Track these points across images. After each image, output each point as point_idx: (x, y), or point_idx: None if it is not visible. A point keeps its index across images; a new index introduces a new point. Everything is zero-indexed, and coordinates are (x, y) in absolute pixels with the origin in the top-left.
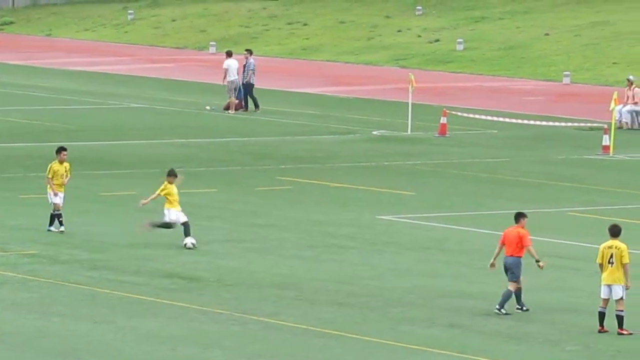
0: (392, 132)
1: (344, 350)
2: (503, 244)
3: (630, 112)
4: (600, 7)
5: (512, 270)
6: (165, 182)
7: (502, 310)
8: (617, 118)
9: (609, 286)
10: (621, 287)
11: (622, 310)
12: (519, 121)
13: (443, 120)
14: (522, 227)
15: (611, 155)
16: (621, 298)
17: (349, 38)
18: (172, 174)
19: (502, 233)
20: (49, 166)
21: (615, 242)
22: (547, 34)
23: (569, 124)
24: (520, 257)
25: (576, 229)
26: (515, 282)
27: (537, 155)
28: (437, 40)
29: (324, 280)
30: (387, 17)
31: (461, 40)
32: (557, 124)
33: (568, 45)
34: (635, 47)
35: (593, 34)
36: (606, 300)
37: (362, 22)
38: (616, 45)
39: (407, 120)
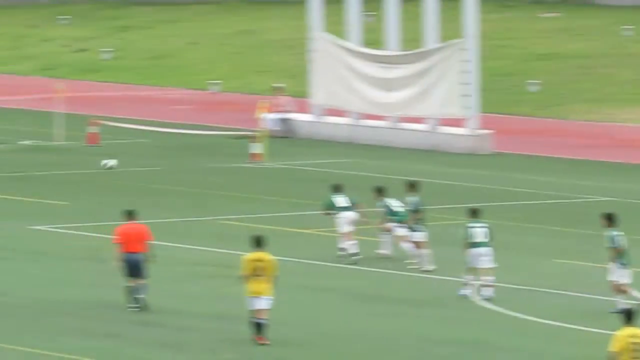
0: (42, 142)
1: None
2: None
3: (279, 119)
4: (245, 15)
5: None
6: None
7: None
8: (268, 126)
9: (257, 298)
10: (268, 298)
11: (266, 319)
12: (169, 130)
13: (93, 129)
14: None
15: (262, 162)
16: (266, 308)
17: None
18: None
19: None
20: None
21: (261, 255)
22: (194, 43)
23: (219, 132)
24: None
25: (228, 237)
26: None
27: (189, 164)
28: (84, 50)
29: None
30: (32, 26)
31: (108, 49)
32: (207, 132)
33: (215, 53)
34: (281, 55)
35: (239, 42)
36: (261, 311)
37: (6, 31)
38: (262, 53)
39: (57, 129)
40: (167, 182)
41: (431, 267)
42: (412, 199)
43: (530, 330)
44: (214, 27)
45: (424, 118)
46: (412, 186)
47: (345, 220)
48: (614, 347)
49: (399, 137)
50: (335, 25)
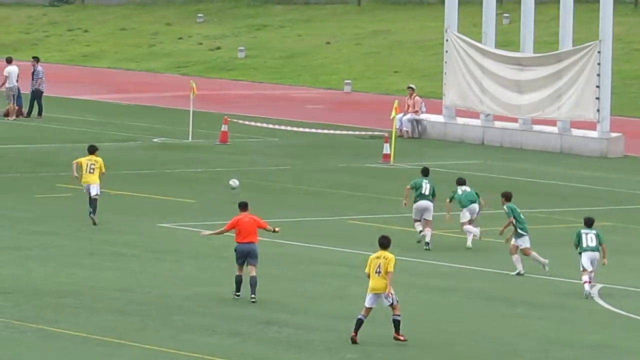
0: (174, 139)
1: (124, 358)
2: (236, 229)
3: (411, 120)
4: (380, 17)
5: (252, 256)
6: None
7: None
8: (397, 126)
9: (376, 295)
10: (388, 295)
11: (398, 315)
12: (300, 129)
13: (224, 128)
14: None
15: (392, 163)
16: (391, 304)
17: (130, 45)
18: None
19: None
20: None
21: (384, 253)
22: (328, 43)
23: (350, 132)
24: (256, 243)
25: (357, 237)
26: (254, 266)
27: (318, 164)
28: (218, 48)
29: (104, 288)
30: (168, 24)
31: (242, 48)
32: (338, 132)
33: (349, 53)
34: (415, 55)
35: (374, 43)
36: (369, 309)
37: (143, 29)
38: (397, 54)
39: (189, 127)
40: (295, 181)
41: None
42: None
43: None
44: (349, 27)
45: (555, 120)
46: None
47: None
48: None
49: (530, 139)
50: (471, 26)
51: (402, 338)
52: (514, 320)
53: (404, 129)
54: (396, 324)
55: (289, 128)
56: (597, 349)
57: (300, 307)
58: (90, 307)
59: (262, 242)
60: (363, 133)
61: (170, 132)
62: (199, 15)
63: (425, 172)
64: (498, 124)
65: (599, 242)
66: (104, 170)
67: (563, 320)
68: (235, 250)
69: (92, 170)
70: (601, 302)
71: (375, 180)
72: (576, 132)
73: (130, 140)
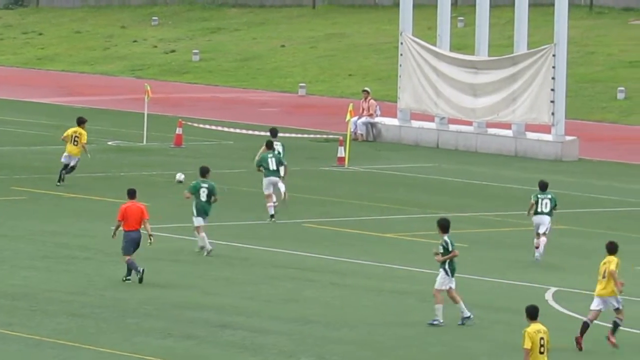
0: (128, 142)
1: None
2: (123, 219)
3: (366, 123)
4: (335, 20)
5: (137, 243)
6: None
7: (129, 278)
8: (352, 130)
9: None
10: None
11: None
12: (255, 132)
13: (179, 131)
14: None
15: (346, 167)
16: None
17: (85, 48)
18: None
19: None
20: None
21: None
22: (283, 46)
23: (305, 135)
24: (139, 230)
25: (311, 240)
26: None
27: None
28: (173, 51)
29: (59, 291)
30: (123, 27)
31: (197, 51)
32: (293, 135)
33: (304, 56)
34: (370, 58)
35: (329, 46)
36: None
37: (98, 32)
38: (351, 57)
39: (143, 130)
40: (250, 184)
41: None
42: None
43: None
44: (304, 30)
45: (510, 123)
46: None
47: None
48: (526, 344)
49: (485, 142)
50: (425, 29)
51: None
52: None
53: (359, 132)
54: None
55: (243, 131)
56: (552, 352)
57: (254, 310)
58: (45, 310)
59: (218, 245)
60: (318, 136)
61: (125, 135)
62: (154, 18)
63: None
64: (453, 127)
65: (552, 207)
66: (84, 140)
67: (518, 323)
68: (124, 238)
69: (75, 142)
70: (556, 305)
71: (329, 184)
72: (531, 135)
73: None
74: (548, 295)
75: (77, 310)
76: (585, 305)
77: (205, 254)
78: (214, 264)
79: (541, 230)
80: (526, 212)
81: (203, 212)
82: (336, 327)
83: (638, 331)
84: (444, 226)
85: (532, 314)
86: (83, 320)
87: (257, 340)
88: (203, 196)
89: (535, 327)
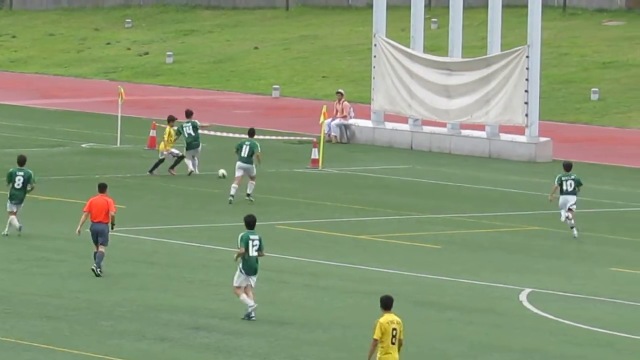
0: (102, 145)
1: None
2: (90, 211)
3: (339, 125)
4: (308, 21)
5: (102, 235)
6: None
7: (99, 270)
8: (326, 132)
9: None
10: None
11: None
12: (229, 134)
13: (152, 133)
14: (107, 196)
15: (320, 168)
16: None
17: (58, 50)
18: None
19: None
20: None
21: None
22: (256, 48)
23: (279, 137)
24: (107, 223)
25: (285, 243)
26: (104, 245)
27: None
28: (147, 53)
29: (33, 293)
30: (97, 29)
31: (171, 53)
32: (266, 137)
33: (277, 58)
34: (343, 60)
35: (302, 48)
36: None
37: (72, 34)
38: (325, 59)
39: (117, 133)
40: (224, 186)
41: None
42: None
43: (582, 339)
44: (277, 32)
45: (484, 125)
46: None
47: None
48: (376, 334)
49: (459, 143)
50: (399, 31)
51: None
52: (442, 325)
53: (333, 134)
54: None
55: (218, 133)
56: (526, 353)
57: (228, 312)
58: (19, 313)
59: (191, 248)
60: (292, 138)
61: (99, 138)
62: (127, 20)
63: (251, 133)
64: (426, 128)
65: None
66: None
67: (492, 324)
68: (90, 230)
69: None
70: (530, 306)
71: (303, 185)
72: (504, 136)
73: (59, 146)
74: (522, 297)
75: (52, 312)
76: (558, 306)
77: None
78: (189, 267)
79: (569, 205)
80: (548, 197)
81: (17, 198)
82: (310, 329)
83: (611, 332)
84: (248, 222)
85: (386, 304)
86: (57, 322)
87: (232, 342)
88: (19, 184)
89: (389, 318)
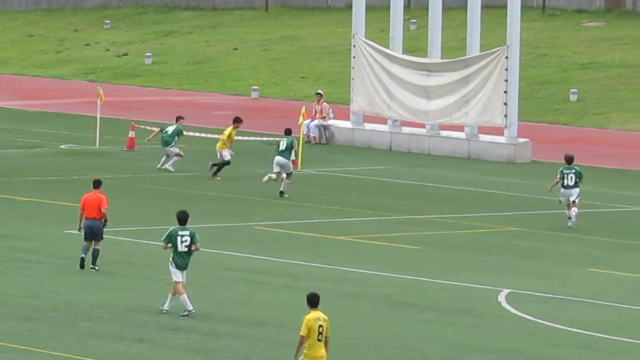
0: (81, 146)
1: None
2: (83, 208)
3: (318, 126)
4: (288, 22)
5: (96, 231)
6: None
7: (97, 267)
8: (305, 132)
9: None
10: None
11: None
12: (209, 135)
13: (131, 134)
14: (101, 193)
15: (299, 169)
16: None
17: (37, 51)
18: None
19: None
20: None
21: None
22: (235, 49)
23: (258, 138)
24: (100, 219)
25: (264, 243)
26: (98, 241)
27: (226, 170)
28: (126, 54)
29: (11, 294)
30: (76, 30)
31: (150, 54)
32: (245, 138)
33: (256, 59)
34: (322, 61)
35: (281, 49)
36: None
37: (51, 35)
38: (304, 59)
39: (96, 134)
40: (203, 187)
41: None
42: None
43: (560, 340)
44: (256, 33)
45: (463, 126)
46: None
47: None
48: (302, 331)
49: (438, 144)
50: (378, 32)
51: None
52: (421, 326)
53: (312, 135)
54: None
55: (196, 134)
56: (505, 354)
57: (207, 313)
58: None
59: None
60: (271, 139)
61: (78, 139)
62: (106, 21)
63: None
64: (406, 129)
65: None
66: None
67: (471, 325)
68: (83, 226)
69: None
70: (508, 307)
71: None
72: (484, 137)
73: (37, 147)
74: (501, 297)
75: (30, 313)
76: (537, 307)
77: None
78: (167, 268)
79: (572, 199)
80: (549, 188)
81: None
82: (289, 330)
83: (590, 333)
84: (179, 218)
85: (313, 301)
86: (36, 323)
87: (210, 343)
88: None
89: (315, 315)
